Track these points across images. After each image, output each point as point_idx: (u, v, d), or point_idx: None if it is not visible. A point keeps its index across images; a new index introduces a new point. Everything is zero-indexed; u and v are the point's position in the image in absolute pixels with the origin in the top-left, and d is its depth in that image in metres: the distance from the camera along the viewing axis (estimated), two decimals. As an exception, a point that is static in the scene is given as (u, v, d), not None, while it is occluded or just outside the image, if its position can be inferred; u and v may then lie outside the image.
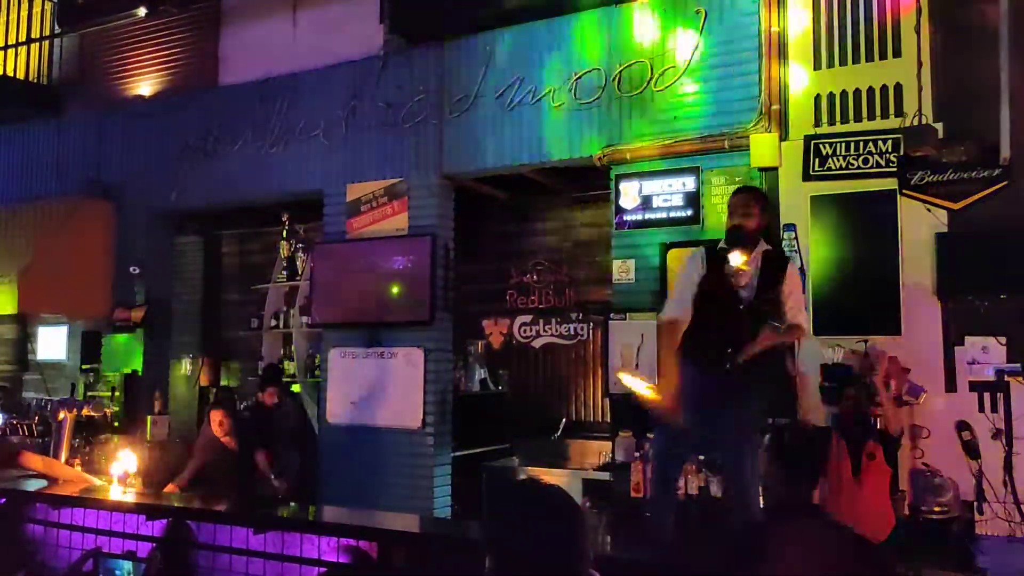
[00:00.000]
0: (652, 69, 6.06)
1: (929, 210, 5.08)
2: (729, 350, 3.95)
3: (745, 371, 3.91)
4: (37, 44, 9.69)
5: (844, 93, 5.44)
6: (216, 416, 6.27)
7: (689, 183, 5.87)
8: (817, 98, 5.51)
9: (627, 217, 6.09)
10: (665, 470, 4.17)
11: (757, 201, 4.17)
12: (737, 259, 3.95)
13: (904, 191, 5.11)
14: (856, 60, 5.42)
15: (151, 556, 2.10)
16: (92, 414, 5.44)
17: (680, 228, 5.85)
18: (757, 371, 3.97)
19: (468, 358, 7.46)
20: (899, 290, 5.13)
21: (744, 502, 3.90)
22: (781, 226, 5.51)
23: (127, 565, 2.20)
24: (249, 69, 7.95)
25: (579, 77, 6.33)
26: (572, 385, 7.45)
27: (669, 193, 5.94)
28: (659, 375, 4.17)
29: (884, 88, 5.31)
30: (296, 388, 7.85)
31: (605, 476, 5.99)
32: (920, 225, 5.13)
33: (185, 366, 9.01)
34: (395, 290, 6.89)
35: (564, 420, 7.09)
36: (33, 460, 4.64)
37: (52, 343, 9.54)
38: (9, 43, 9.83)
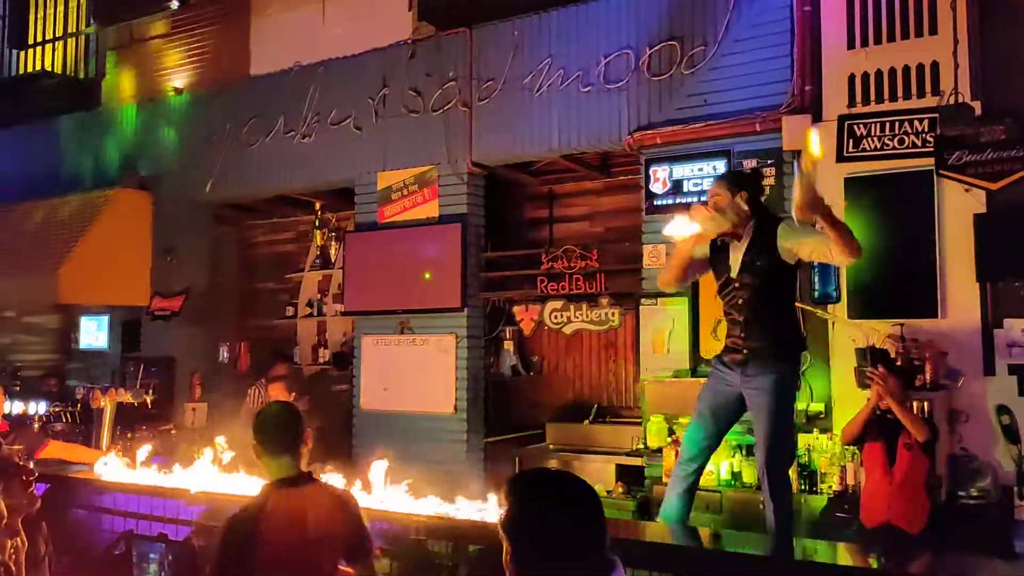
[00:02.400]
0: (681, 51, 6.00)
1: (967, 190, 4.97)
2: (741, 329, 3.90)
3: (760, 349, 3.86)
4: (73, 39, 9.86)
5: (879, 72, 5.33)
6: (275, 390, 6.20)
7: (720, 167, 5.81)
8: (851, 78, 5.41)
9: (658, 202, 6.05)
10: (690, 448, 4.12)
11: (721, 185, 3.99)
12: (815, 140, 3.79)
13: (941, 171, 5.00)
14: (891, 38, 5.31)
15: (186, 539, 2.14)
16: (132, 401, 5.55)
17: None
18: (777, 341, 3.88)
19: (499, 344, 7.49)
20: (936, 272, 5.04)
21: (765, 459, 3.85)
22: (815, 208, 5.43)
23: (160, 547, 2.25)
24: (280, 59, 8.01)
25: (608, 61, 6.29)
26: (603, 370, 7.44)
27: (700, 177, 5.88)
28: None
29: (920, 66, 5.20)
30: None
31: (637, 461, 5.99)
32: (958, 206, 5.03)
33: (223, 353, 9.15)
34: (426, 277, 6.94)
35: (596, 405, 7.09)
36: (57, 449, 4.76)
37: (93, 332, 9.74)
38: (47, 38, 10.02)
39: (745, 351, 3.87)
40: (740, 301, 3.92)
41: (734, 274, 3.93)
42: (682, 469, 4.05)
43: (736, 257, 3.94)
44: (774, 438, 3.80)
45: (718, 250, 4.03)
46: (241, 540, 2.68)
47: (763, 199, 3.91)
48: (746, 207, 3.86)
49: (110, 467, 4.63)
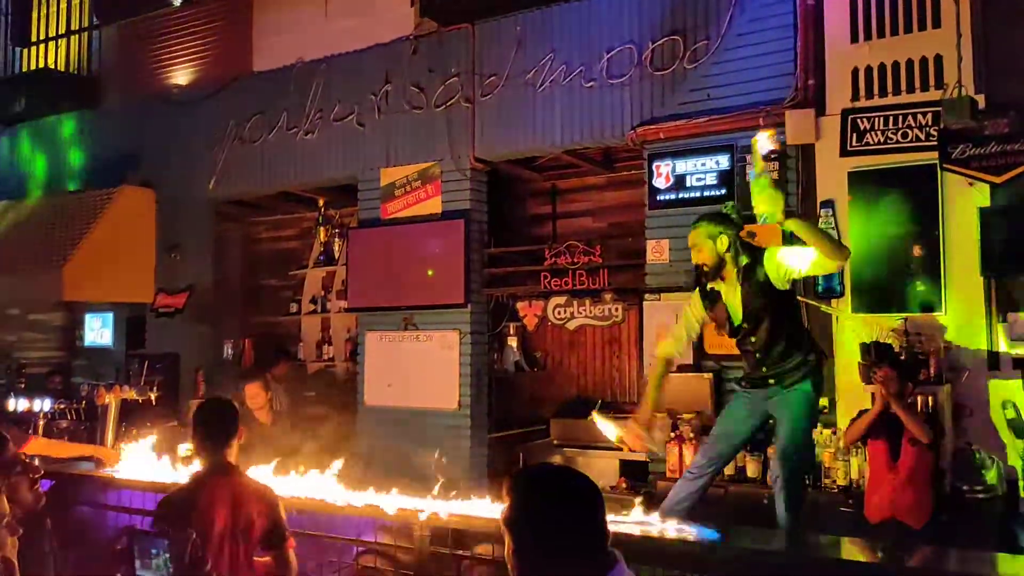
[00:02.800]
0: (684, 46, 5.98)
1: (971, 184, 4.96)
2: (760, 364, 3.98)
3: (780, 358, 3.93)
4: (76, 36, 9.87)
5: (882, 66, 5.31)
6: (251, 389, 5.77)
7: (723, 161, 5.80)
8: (855, 71, 5.39)
9: (661, 197, 6.04)
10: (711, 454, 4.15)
11: (699, 234, 4.01)
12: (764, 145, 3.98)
13: (945, 165, 4.98)
14: (894, 32, 5.29)
15: (187, 535, 2.16)
16: (136, 398, 5.56)
17: (715, 207, 5.76)
18: (796, 362, 3.94)
19: (503, 340, 7.49)
20: (941, 266, 5.03)
21: (782, 462, 3.91)
22: (818, 203, 5.43)
23: (162, 543, 2.26)
24: (282, 55, 8.00)
25: (611, 55, 6.27)
26: (607, 366, 7.44)
27: (703, 172, 5.87)
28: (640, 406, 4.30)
29: (923, 60, 5.19)
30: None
31: (641, 456, 5.98)
32: (962, 200, 5.01)
33: (227, 350, 9.17)
34: (430, 273, 6.94)
35: (600, 401, 7.08)
36: (39, 446, 4.76)
37: (98, 329, 9.77)
38: (50, 35, 10.03)
39: (771, 380, 3.96)
40: (753, 339, 3.98)
41: (738, 321, 3.98)
42: (687, 484, 4.10)
43: (734, 304, 3.98)
44: (795, 447, 3.89)
45: (711, 298, 4.07)
46: (176, 516, 2.96)
47: (741, 234, 3.95)
48: (728, 252, 3.93)
49: (130, 463, 4.63)
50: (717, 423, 4.23)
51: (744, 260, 3.93)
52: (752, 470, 5.29)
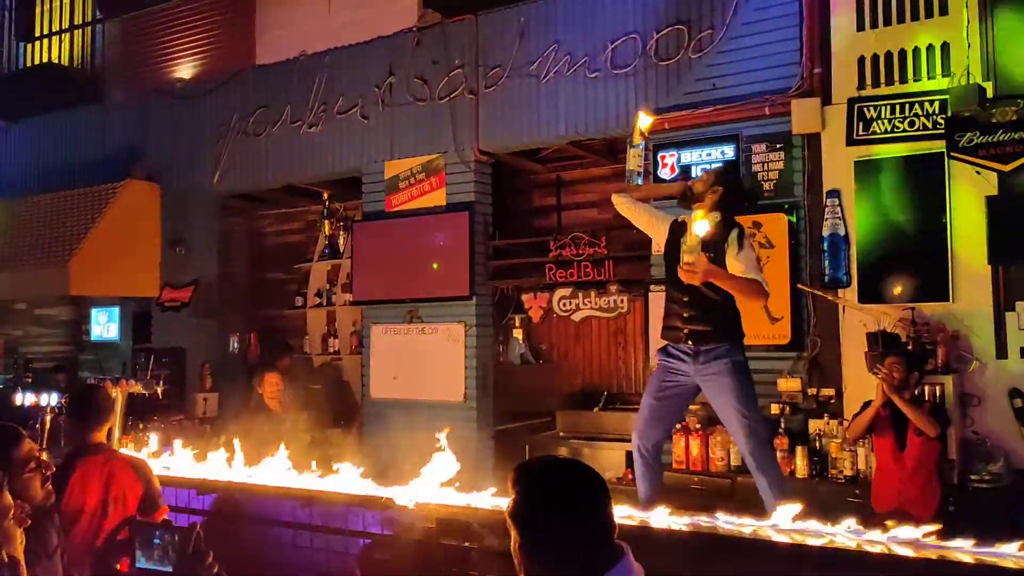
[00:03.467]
0: (689, 35, 5.95)
1: (979, 172, 4.92)
2: (685, 315, 4.03)
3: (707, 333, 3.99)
4: (79, 31, 9.87)
5: (889, 54, 5.28)
6: (271, 378, 6.12)
7: (729, 151, 5.78)
8: (861, 60, 5.35)
9: (666, 187, 6.02)
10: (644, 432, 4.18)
11: (710, 171, 4.25)
12: (701, 228, 3.94)
13: (952, 154, 4.95)
14: (901, 19, 5.25)
15: (190, 525, 2.16)
16: (143, 392, 5.57)
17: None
18: (721, 318, 4.01)
19: (508, 332, 7.48)
20: (948, 255, 5.00)
21: (746, 433, 3.94)
22: (824, 193, 5.41)
23: (163, 533, 2.26)
24: (285, 48, 7.99)
25: (615, 46, 6.24)
26: (613, 358, 7.42)
27: (708, 162, 5.84)
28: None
29: (930, 47, 5.15)
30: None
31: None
32: (969, 188, 4.98)
33: (232, 343, 9.19)
34: (435, 266, 6.93)
35: (605, 392, 7.08)
36: None
37: (104, 324, 9.79)
38: (53, 30, 10.03)
39: (690, 332, 3.99)
40: (685, 285, 3.97)
41: (684, 251, 3.94)
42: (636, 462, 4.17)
43: (691, 240, 3.92)
44: (746, 406, 3.92)
45: (678, 229, 4.11)
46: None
47: (734, 207, 4.16)
48: (710, 197, 4.05)
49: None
50: (643, 400, 4.23)
51: (718, 215, 4.00)
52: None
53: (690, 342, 4.01)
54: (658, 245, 4.37)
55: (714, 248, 3.95)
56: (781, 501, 3.01)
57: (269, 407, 6.12)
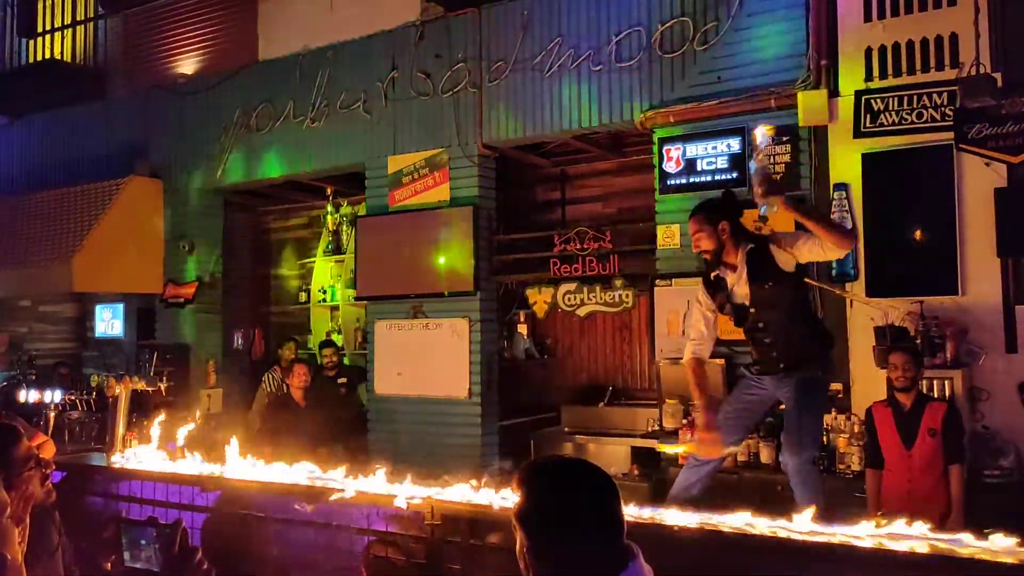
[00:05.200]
0: (693, 27, 5.90)
1: (988, 164, 4.87)
2: (771, 349, 3.94)
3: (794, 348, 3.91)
4: (81, 27, 9.84)
5: (896, 45, 5.22)
6: (300, 369, 6.72)
7: (734, 144, 5.73)
8: (868, 51, 5.30)
9: (671, 181, 5.98)
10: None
11: (699, 221, 3.96)
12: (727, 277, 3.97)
13: (961, 145, 4.90)
14: (908, 10, 5.20)
15: (176, 522, 2.12)
16: (147, 388, 5.55)
17: (712, 194, 5.70)
18: (809, 348, 3.94)
19: (513, 327, 7.45)
20: (957, 248, 4.96)
21: (794, 449, 3.87)
22: (832, 186, 5.36)
23: (150, 532, 2.23)
24: (288, 43, 7.95)
25: (619, 39, 6.19)
26: (618, 353, 7.39)
27: (714, 155, 5.80)
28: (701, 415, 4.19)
29: (939, 38, 5.09)
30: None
31: (652, 443, 5.95)
32: (978, 180, 4.93)
33: (237, 339, 9.17)
34: (439, 261, 6.90)
35: (610, 388, 7.05)
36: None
37: (108, 320, 9.78)
38: (54, 26, 10.00)
39: (782, 365, 3.92)
40: (762, 325, 3.94)
41: (750, 305, 3.93)
42: (693, 471, 4.07)
43: (741, 289, 3.93)
44: (807, 434, 3.85)
45: (716, 286, 4.03)
46: None
47: (741, 221, 3.98)
48: (729, 237, 3.90)
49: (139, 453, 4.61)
50: (722, 407, 4.18)
51: (747, 244, 3.91)
52: (765, 456, 5.25)
53: (782, 366, 3.95)
54: (729, 320, 4.19)
55: (767, 274, 3.85)
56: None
57: (294, 398, 6.68)
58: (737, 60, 5.74)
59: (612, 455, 6.12)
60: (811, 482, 3.86)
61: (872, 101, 5.19)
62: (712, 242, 3.91)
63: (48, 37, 10.05)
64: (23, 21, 10.16)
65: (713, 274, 4.03)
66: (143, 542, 2.29)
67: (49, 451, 4.73)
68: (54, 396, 5.66)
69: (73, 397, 6.40)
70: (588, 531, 1.69)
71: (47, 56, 9.95)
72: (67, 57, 9.89)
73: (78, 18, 9.89)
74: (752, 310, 3.93)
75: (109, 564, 2.63)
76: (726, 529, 2.80)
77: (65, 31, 9.95)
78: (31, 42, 10.23)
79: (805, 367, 3.90)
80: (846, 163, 5.32)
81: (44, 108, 9.79)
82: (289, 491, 3.76)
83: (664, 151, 5.99)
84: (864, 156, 5.23)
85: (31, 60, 10.18)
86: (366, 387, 7.47)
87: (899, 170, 5.14)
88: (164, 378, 6.20)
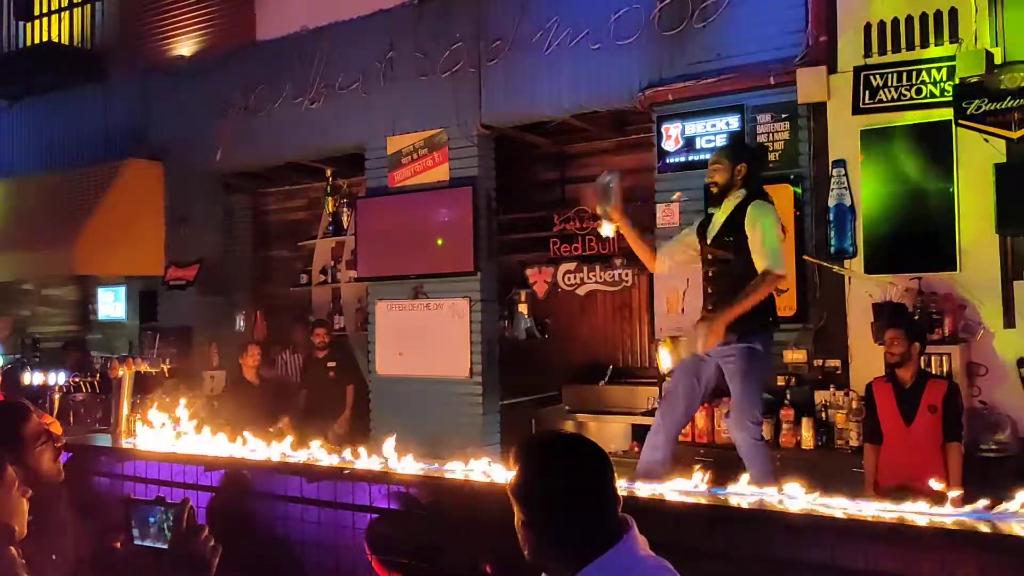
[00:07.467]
0: (692, 4, 5.87)
1: (986, 140, 4.87)
2: (710, 306, 4.02)
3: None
4: (78, 9, 9.79)
5: (895, 20, 5.20)
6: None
7: (733, 122, 5.73)
8: (867, 27, 5.28)
9: (670, 160, 5.98)
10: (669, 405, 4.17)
11: (723, 154, 4.12)
12: (605, 230, 4.17)
13: (960, 121, 4.89)
14: (908, -16, 5.17)
15: (183, 501, 2.16)
16: (149, 370, 5.59)
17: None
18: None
19: (513, 307, 7.48)
20: (955, 224, 4.96)
21: (736, 423, 3.95)
22: (831, 163, 5.36)
23: (159, 510, 2.27)
24: (286, 23, 7.92)
25: (617, 17, 6.17)
26: (618, 331, 7.42)
27: (713, 134, 5.80)
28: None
29: (938, 13, 5.07)
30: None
31: (652, 421, 5.98)
32: (977, 156, 4.93)
33: (239, 321, 9.20)
34: (439, 241, 6.92)
35: (611, 366, 7.09)
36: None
37: (111, 303, 9.82)
38: (51, 9, 9.95)
39: (709, 309, 3.98)
40: (710, 272, 3.97)
41: (708, 242, 4.01)
42: (651, 443, 4.12)
43: (713, 229, 4.01)
44: (744, 403, 3.90)
45: (704, 223, 4.11)
46: None
47: (761, 175, 4.10)
48: (740, 179, 3.99)
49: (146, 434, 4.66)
50: (669, 381, 4.24)
51: (743, 194, 3.98)
52: (763, 432, 5.27)
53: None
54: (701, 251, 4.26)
55: (734, 227, 3.92)
56: None
57: (247, 378, 7.02)
58: (736, 37, 5.72)
59: (613, 433, 6.17)
60: (759, 459, 3.88)
61: (871, 77, 5.18)
62: (724, 177, 4.02)
63: (45, 20, 10.01)
64: (20, 4, 10.11)
65: (710, 210, 4.13)
66: (151, 519, 2.32)
67: (56, 432, 4.77)
68: (58, 378, 5.69)
69: (77, 379, 6.45)
70: (583, 504, 1.72)
71: (45, 39, 9.92)
72: (65, 40, 9.85)
73: (75, 1, 9.83)
74: (709, 256, 4.00)
75: (119, 543, 2.67)
76: (737, 503, 2.83)
77: (62, 13, 9.90)
78: (29, 25, 10.18)
79: (741, 331, 3.86)
80: (845, 140, 5.31)
81: (42, 91, 9.77)
82: (292, 469, 3.81)
83: (663, 129, 5.99)
84: (863, 132, 5.23)
85: (29, 43, 10.14)
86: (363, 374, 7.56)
87: (898, 146, 5.14)
88: (167, 360, 6.23)
